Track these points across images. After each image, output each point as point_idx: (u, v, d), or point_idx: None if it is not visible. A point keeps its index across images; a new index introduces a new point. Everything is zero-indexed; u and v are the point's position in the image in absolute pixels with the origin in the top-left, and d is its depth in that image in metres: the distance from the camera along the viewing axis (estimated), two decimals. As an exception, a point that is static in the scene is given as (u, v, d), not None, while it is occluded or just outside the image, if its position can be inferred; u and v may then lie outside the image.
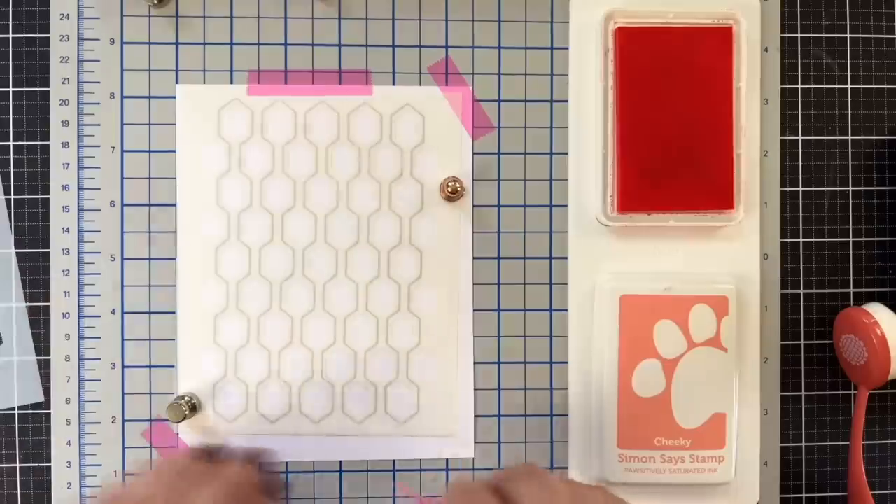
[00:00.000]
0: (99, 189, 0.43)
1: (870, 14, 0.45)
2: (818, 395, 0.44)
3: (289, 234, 0.43)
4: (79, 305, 0.42)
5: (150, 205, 0.43)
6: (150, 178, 0.43)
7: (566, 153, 0.44)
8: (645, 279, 0.42)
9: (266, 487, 0.39)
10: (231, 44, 0.43)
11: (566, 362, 0.44)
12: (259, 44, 0.43)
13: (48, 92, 0.43)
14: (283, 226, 0.43)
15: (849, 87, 0.45)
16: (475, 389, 0.43)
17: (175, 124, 0.43)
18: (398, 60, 0.43)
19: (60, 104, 0.42)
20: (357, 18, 0.43)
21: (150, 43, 0.43)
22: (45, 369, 0.43)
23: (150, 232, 0.43)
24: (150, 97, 0.43)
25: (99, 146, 0.43)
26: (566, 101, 0.44)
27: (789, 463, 0.44)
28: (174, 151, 0.43)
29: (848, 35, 0.45)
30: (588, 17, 0.43)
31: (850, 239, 0.44)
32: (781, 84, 0.44)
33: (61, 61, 0.43)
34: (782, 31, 0.44)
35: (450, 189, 0.42)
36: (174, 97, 0.43)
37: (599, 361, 0.42)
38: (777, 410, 0.44)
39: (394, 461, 0.43)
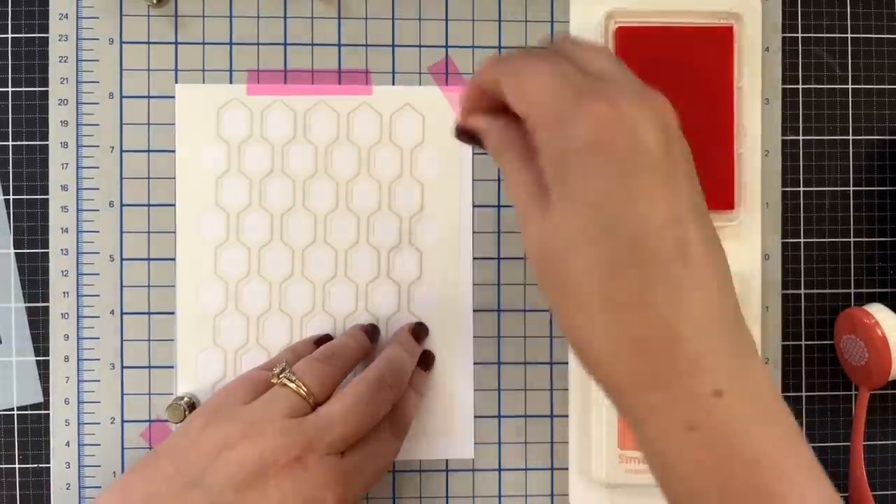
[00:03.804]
0: (98, 189, 0.43)
1: (870, 14, 0.45)
2: (819, 395, 0.44)
3: (288, 234, 0.43)
4: (78, 306, 0.42)
5: (149, 205, 0.43)
6: (149, 178, 0.43)
7: (566, 153, 0.43)
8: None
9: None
10: (230, 43, 0.43)
11: (566, 363, 0.43)
12: (258, 43, 0.43)
13: (47, 92, 0.42)
14: (283, 226, 0.43)
15: (849, 87, 0.45)
16: (475, 390, 0.43)
17: (174, 124, 0.43)
18: (398, 60, 0.43)
19: (59, 104, 0.42)
20: (357, 18, 0.43)
21: (149, 42, 0.43)
22: (44, 370, 0.43)
23: (149, 232, 0.43)
24: (149, 97, 0.43)
25: (98, 146, 0.43)
26: (566, 100, 0.43)
27: (790, 464, 0.44)
28: (173, 151, 0.43)
29: (849, 35, 0.45)
30: (588, 16, 0.43)
31: (852, 239, 0.44)
32: (782, 84, 0.44)
33: (60, 61, 0.42)
34: (783, 31, 0.44)
35: None
36: (173, 97, 0.43)
37: (600, 362, 0.42)
38: (778, 411, 0.44)
39: (393, 462, 0.43)
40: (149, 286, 0.43)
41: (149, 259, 0.43)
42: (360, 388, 0.37)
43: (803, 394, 0.44)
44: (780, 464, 0.25)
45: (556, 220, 0.27)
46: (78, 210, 0.42)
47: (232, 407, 0.36)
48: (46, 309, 0.43)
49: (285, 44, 0.43)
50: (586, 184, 0.26)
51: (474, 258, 0.43)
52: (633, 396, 0.26)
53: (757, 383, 0.26)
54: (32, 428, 0.43)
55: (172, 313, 0.43)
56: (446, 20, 0.43)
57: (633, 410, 0.27)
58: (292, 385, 0.36)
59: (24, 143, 0.43)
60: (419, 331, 0.42)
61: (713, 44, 0.42)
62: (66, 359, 0.42)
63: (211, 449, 0.34)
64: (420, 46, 0.43)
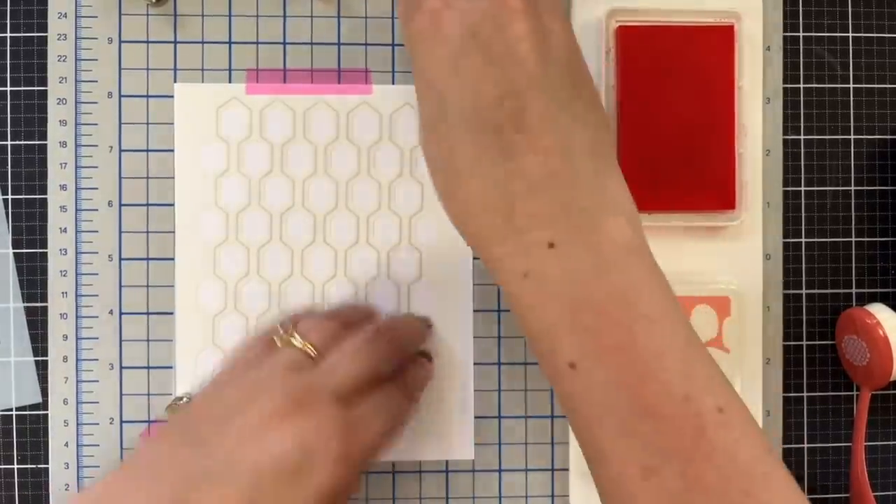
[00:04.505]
0: (97, 189, 0.42)
1: (872, 13, 0.44)
2: (820, 396, 0.44)
3: (288, 233, 0.43)
4: (76, 306, 0.42)
5: (148, 205, 0.43)
6: (148, 177, 0.43)
7: (567, 153, 0.43)
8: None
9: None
10: (229, 42, 0.43)
11: (567, 363, 0.43)
12: (258, 42, 0.43)
13: (45, 91, 0.42)
14: (283, 226, 0.43)
15: (851, 86, 0.44)
16: (475, 390, 0.43)
17: (173, 123, 0.43)
18: (398, 59, 0.43)
19: (58, 103, 0.42)
20: (356, 17, 0.43)
21: (148, 42, 0.43)
22: (42, 370, 0.42)
23: (148, 232, 0.43)
24: (147, 96, 0.43)
25: (97, 146, 0.42)
26: (567, 100, 0.43)
27: (791, 464, 0.44)
28: (172, 151, 0.43)
29: (850, 34, 0.44)
30: (589, 15, 0.43)
31: (853, 239, 0.44)
32: (783, 83, 0.44)
33: (59, 60, 0.42)
34: (784, 30, 0.44)
35: None
36: (172, 96, 0.43)
37: (600, 362, 0.42)
38: (779, 412, 0.44)
39: (393, 463, 0.43)
40: (148, 286, 0.43)
41: (148, 259, 0.43)
42: (358, 337, 0.36)
43: (804, 394, 0.44)
44: (615, 310, 0.28)
45: (417, 103, 0.31)
46: (76, 210, 0.42)
47: (238, 373, 0.35)
48: (45, 309, 0.42)
49: (284, 43, 0.43)
50: (422, 67, 0.30)
51: (474, 258, 0.43)
52: (486, 250, 0.29)
53: (597, 239, 0.28)
54: (31, 428, 0.42)
55: (171, 313, 0.43)
56: (446, 19, 0.43)
57: (487, 262, 0.30)
58: (298, 343, 0.35)
59: (22, 142, 0.43)
60: (424, 322, 0.43)
61: (714, 43, 0.42)
62: (65, 359, 0.42)
63: (220, 414, 0.33)
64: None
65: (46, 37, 0.42)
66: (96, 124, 0.42)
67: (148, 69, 0.43)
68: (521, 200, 0.28)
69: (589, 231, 0.28)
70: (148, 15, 0.43)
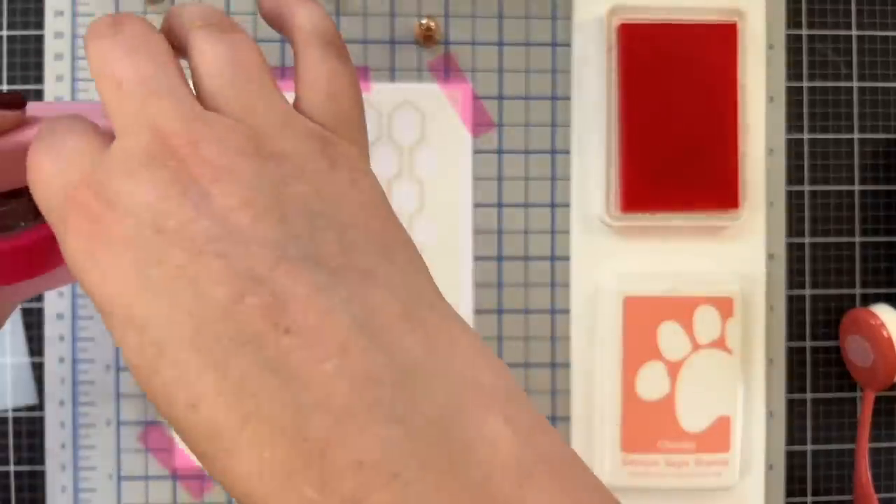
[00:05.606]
0: (93, 188, 0.42)
1: (875, 11, 0.44)
2: (824, 397, 0.44)
3: (286, 233, 0.42)
4: (73, 307, 0.42)
5: (145, 204, 0.42)
6: (145, 176, 0.42)
7: (568, 152, 0.43)
8: (649, 280, 0.42)
9: None
10: (228, 41, 0.43)
11: (568, 365, 0.43)
12: (255, 40, 0.42)
13: (42, 90, 0.42)
14: (281, 225, 0.42)
15: (854, 84, 0.44)
16: (476, 391, 0.43)
17: (171, 122, 0.42)
18: (398, 57, 0.43)
19: (54, 102, 0.42)
20: (355, 14, 0.43)
21: (145, 40, 0.42)
22: (38, 371, 0.42)
23: (145, 232, 0.42)
24: (145, 95, 0.42)
25: (93, 144, 0.42)
26: (569, 98, 0.43)
27: (794, 467, 0.44)
28: (170, 150, 0.42)
29: (854, 32, 0.44)
30: (591, 13, 0.43)
31: (857, 239, 0.44)
32: (786, 82, 0.44)
33: (55, 59, 0.42)
34: (787, 28, 0.44)
35: (424, 27, 0.41)
36: (170, 95, 0.42)
37: (602, 364, 0.42)
38: (782, 413, 0.43)
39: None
40: (145, 286, 0.42)
41: (145, 259, 0.42)
42: None
43: (808, 395, 0.44)
44: None
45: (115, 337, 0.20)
46: (73, 209, 0.42)
47: None
48: (41, 310, 0.42)
49: (282, 40, 0.43)
50: (101, 296, 0.19)
51: (474, 258, 0.43)
52: None
53: (469, 480, 0.17)
54: (27, 430, 0.42)
55: (169, 314, 0.42)
56: (446, 16, 0.43)
57: None
58: None
59: (18, 141, 0.42)
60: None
61: (717, 41, 0.42)
62: (62, 360, 0.42)
63: None
64: (419, 43, 0.43)
65: (43, 35, 0.42)
66: (93, 123, 0.42)
67: (145, 67, 0.42)
68: (330, 442, 0.17)
69: (450, 465, 0.17)
70: (145, 13, 0.42)
